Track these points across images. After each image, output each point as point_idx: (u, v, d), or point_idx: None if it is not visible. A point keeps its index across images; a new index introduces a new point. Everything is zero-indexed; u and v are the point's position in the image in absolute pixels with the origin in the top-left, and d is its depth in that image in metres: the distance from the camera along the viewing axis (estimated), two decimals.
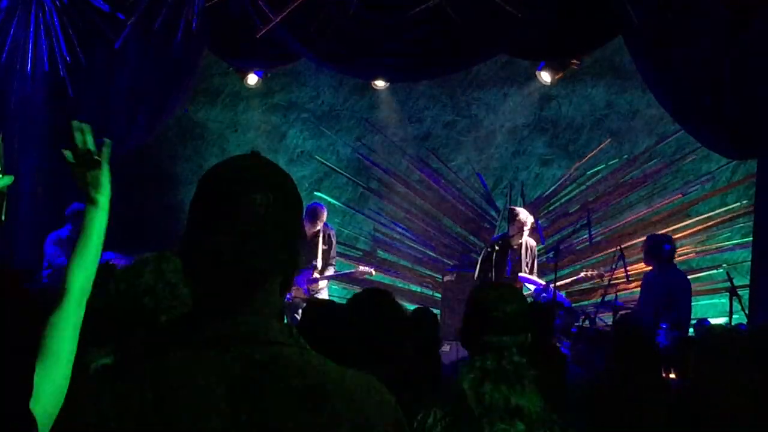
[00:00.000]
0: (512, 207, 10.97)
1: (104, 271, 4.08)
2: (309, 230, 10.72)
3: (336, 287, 11.93)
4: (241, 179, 1.76)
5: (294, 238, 1.80)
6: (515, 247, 10.34)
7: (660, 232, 10.50)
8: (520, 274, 10.33)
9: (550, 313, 6.80)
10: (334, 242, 11.03)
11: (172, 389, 1.65)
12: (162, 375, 1.66)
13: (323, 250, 10.71)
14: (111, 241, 10.68)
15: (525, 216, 10.36)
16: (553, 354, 6.01)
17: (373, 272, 11.16)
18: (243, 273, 1.72)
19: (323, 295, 10.57)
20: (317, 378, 1.70)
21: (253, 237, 1.72)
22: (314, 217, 10.70)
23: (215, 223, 1.73)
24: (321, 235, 10.73)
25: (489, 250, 10.43)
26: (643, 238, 10.99)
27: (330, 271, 10.89)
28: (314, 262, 10.60)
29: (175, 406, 1.63)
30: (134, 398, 1.65)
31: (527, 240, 10.50)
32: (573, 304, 10.65)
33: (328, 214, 11.18)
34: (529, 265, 10.46)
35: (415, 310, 6.28)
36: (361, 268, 11.17)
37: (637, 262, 11.13)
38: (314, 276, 10.54)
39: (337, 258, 11.31)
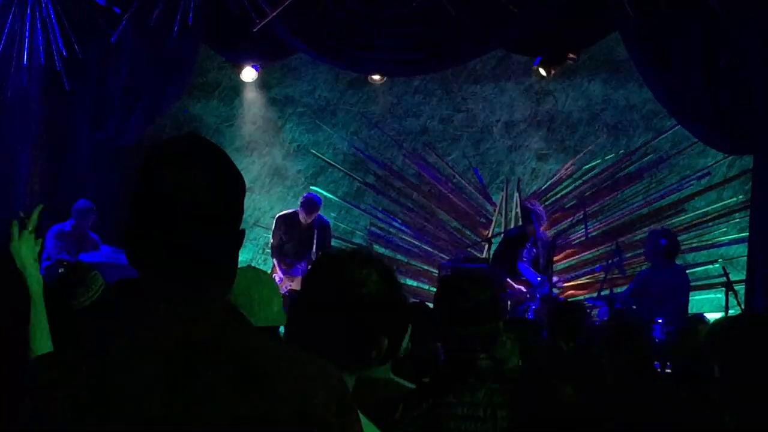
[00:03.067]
0: (529, 204, 10.75)
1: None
2: (304, 221, 10.74)
3: None
4: (178, 163, 1.73)
5: (235, 216, 1.78)
6: (532, 241, 10.39)
7: (664, 228, 10.49)
8: (519, 263, 10.35)
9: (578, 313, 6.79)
10: (329, 233, 11.05)
11: (110, 373, 1.63)
12: (100, 360, 1.65)
13: (319, 242, 10.73)
14: (108, 236, 10.65)
15: (542, 212, 10.42)
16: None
17: None
18: (184, 257, 1.71)
19: None
20: (257, 360, 1.68)
21: (192, 220, 1.70)
22: (310, 207, 10.73)
23: (154, 209, 1.71)
24: (315, 225, 10.77)
25: (506, 244, 10.49)
26: (640, 232, 11.03)
27: None
28: (310, 254, 10.63)
29: (113, 390, 1.62)
30: (71, 384, 1.63)
31: (544, 234, 10.56)
32: (568, 300, 10.67)
33: (324, 208, 11.21)
34: (546, 259, 10.55)
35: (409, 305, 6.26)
36: None
37: (633, 257, 11.15)
38: (309, 267, 10.56)
39: None
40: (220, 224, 1.75)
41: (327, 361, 1.79)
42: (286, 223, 10.93)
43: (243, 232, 1.81)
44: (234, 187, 1.79)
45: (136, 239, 1.74)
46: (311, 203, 10.77)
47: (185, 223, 1.70)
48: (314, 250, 10.70)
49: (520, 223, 11.83)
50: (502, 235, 11.26)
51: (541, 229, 10.42)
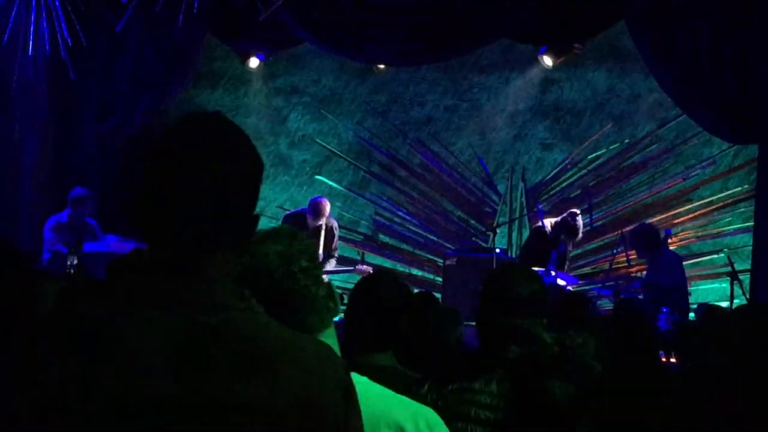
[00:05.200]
0: (573, 217, 10.46)
1: None
2: (311, 224, 10.65)
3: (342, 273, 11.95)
4: (194, 144, 1.72)
5: (249, 203, 1.76)
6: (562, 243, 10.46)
7: (647, 222, 10.53)
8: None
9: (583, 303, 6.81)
10: (336, 235, 10.98)
11: (114, 352, 1.61)
12: (104, 337, 1.63)
13: (325, 243, 10.68)
14: (113, 224, 10.67)
15: (580, 224, 10.42)
16: None
17: (371, 271, 11.11)
18: (194, 240, 1.69)
19: None
20: (264, 344, 1.66)
21: (205, 205, 1.68)
22: (317, 212, 10.61)
23: (167, 190, 1.69)
24: (323, 228, 10.69)
25: (535, 239, 10.54)
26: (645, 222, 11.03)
27: (332, 264, 10.88)
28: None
29: (116, 369, 1.60)
30: (70, 360, 1.61)
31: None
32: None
33: (329, 197, 11.17)
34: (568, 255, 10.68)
35: (416, 294, 6.28)
36: (359, 267, 11.16)
37: None
38: None
39: (339, 242, 11.31)
40: (234, 205, 1.72)
41: (333, 348, 1.78)
42: (293, 222, 10.83)
43: (257, 216, 1.79)
44: (250, 173, 1.76)
45: (146, 219, 1.72)
46: (317, 210, 10.60)
47: (199, 210, 1.68)
48: (320, 252, 10.63)
49: (526, 212, 11.87)
50: (532, 230, 11.20)
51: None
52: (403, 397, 2.36)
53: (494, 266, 10.02)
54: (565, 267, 10.64)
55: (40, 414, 1.60)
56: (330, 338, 2.34)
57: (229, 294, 1.70)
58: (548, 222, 10.65)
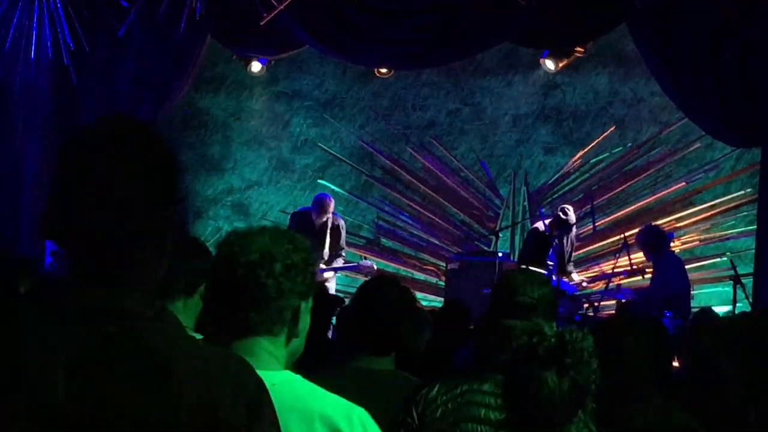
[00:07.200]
0: (565, 212, 10.56)
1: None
2: (317, 221, 10.64)
3: (343, 276, 11.94)
4: (100, 147, 1.66)
5: (161, 203, 1.69)
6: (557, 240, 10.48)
7: (654, 224, 10.54)
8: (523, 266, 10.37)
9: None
10: (342, 233, 10.95)
11: (26, 359, 1.58)
12: (13, 347, 1.60)
13: (331, 241, 10.64)
14: None
15: (572, 218, 10.45)
16: None
17: (375, 267, 11.06)
18: (102, 244, 1.63)
19: (331, 284, 10.57)
20: (164, 355, 1.61)
21: (112, 206, 1.62)
22: (320, 208, 10.61)
23: (74, 193, 1.64)
24: (329, 225, 10.66)
25: (534, 238, 10.54)
26: None
27: (339, 262, 10.86)
28: (321, 254, 10.54)
29: (25, 376, 1.57)
30: None
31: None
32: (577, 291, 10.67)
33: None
34: (569, 254, 10.63)
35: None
36: (363, 262, 11.14)
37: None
38: (320, 266, 10.49)
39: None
40: (144, 211, 1.66)
41: (246, 362, 1.72)
42: (299, 221, 10.79)
43: (172, 219, 1.72)
44: (162, 173, 1.70)
45: (55, 224, 1.67)
46: (319, 204, 10.63)
47: (105, 212, 1.63)
48: (326, 250, 10.59)
49: (528, 216, 11.87)
50: (529, 232, 11.21)
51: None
52: (335, 395, 2.35)
53: (497, 270, 10.03)
54: (567, 267, 10.63)
55: None
56: (278, 348, 2.31)
57: (137, 302, 1.65)
58: (541, 224, 10.67)
